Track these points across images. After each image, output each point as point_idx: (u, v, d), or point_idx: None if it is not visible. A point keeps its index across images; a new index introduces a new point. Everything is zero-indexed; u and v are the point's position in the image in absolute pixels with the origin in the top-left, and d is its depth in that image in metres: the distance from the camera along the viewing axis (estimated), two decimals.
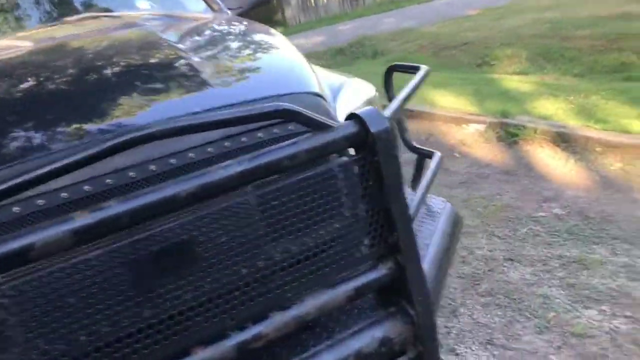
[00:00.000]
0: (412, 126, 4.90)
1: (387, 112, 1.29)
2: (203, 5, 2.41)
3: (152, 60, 1.58)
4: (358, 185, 1.17)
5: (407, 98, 1.41)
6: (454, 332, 2.19)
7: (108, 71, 1.49)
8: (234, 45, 1.75)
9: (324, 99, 1.45)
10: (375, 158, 1.16)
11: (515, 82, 5.52)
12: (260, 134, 1.19)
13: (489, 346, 2.08)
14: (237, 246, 1.06)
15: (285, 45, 1.73)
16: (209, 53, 1.65)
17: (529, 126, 4.06)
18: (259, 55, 1.66)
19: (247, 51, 1.69)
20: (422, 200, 1.56)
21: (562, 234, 2.78)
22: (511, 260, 2.61)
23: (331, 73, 1.92)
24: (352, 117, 1.18)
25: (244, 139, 1.16)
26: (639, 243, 2.61)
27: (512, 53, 6.83)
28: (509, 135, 4.11)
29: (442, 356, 2.07)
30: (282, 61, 1.63)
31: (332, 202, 1.15)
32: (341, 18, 14.36)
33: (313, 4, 16.14)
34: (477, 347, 2.08)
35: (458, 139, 4.34)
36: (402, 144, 1.90)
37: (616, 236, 2.69)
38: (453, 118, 4.66)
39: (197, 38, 1.80)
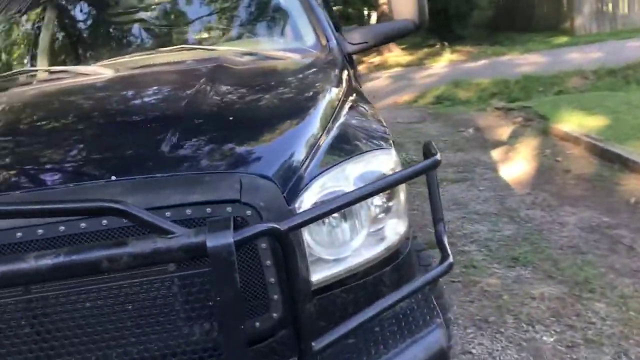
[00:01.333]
0: (630, 182, 4.06)
1: (286, 224, 1.10)
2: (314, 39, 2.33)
3: (165, 103, 1.68)
4: (184, 304, 1.05)
5: (333, 209, 1.17)
6: None
7: (118, 107, 1.72)
8: (250, 105, 1.68)
9: (275, 183, 1.27)
10: (208, 277, 1.03)
11: None
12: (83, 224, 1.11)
13: None
14: None
15: (303, 114, 1.56)
16: (222, 106, 1.64)
17: None
18: (254, 121, 1.54)
19: (253, 113, 1.60)
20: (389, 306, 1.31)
21: None
22: None
23: (377, 129, 1.64)
24: (198, 224, 1.07)
25: (61, 227, 1.10)
26: None
27: None
28: None
29: None
30: (267, 132, 1.49)
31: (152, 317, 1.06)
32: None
33: (611, 14, 14.33)
34: None
35: None
36: None
37: None
38: None
39: (236, 89, 1.80)
